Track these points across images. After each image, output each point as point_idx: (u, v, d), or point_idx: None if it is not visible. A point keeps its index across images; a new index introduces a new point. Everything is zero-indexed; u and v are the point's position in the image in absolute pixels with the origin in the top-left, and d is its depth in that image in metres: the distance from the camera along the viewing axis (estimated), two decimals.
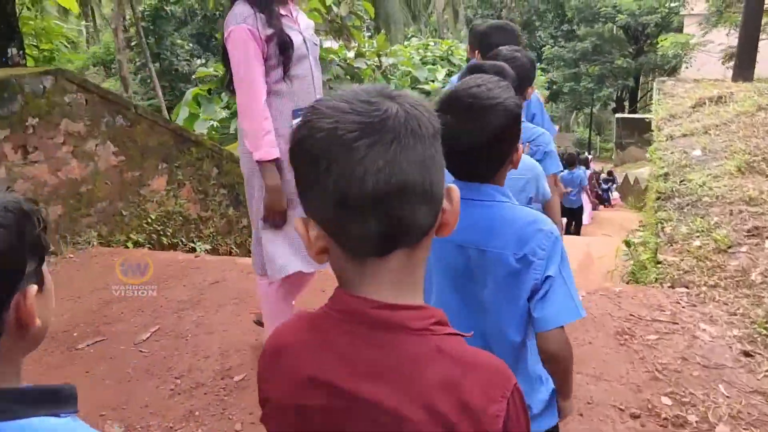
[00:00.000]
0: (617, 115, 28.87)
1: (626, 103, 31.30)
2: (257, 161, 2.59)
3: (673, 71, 23.88)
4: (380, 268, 0.81)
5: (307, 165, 0.77)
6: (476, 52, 3.49)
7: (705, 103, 7.36)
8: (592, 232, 11.78)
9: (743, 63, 9.20)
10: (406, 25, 29.54)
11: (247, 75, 2.56)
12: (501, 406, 0.80)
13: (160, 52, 23.10)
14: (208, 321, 3.51)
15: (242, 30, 2.51)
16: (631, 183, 19.49)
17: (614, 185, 19.22)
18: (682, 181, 5.14)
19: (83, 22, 25.57)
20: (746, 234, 4.08)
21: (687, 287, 3.73)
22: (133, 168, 5.07)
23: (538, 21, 31.43)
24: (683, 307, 3.49)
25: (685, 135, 6.42)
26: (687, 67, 13.69)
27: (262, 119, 2.55)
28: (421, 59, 12.54)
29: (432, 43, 13.02)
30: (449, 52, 12.75)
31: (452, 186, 0.86)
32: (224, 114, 9.72)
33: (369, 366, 0.80)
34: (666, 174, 5.43)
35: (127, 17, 22.85)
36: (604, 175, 20.08)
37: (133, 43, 22.94)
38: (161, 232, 5.25)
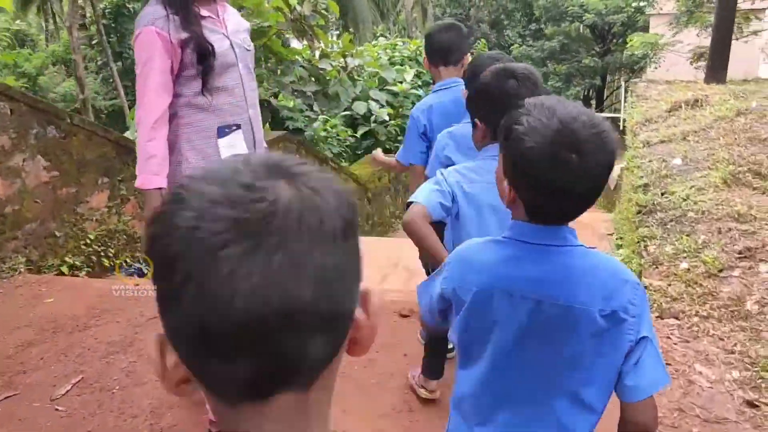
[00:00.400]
0: None
1: (593, 102, 31.26)
2: (137, 187, 2.20)
3: (640, 71, 23.81)
4: (261, 415, 0.58)
5: (162, 272, 0.54)
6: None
7: (681, 107, 7.05)
8: None
9: (716, 65, 8.96)
10: (374, 24, 29.03)
11: (144, 86, 2.14)
12: None
13: (123, 50, 22.31)
14: (141, 368, 3.02)
15: (150, 33, 2.09)
16: None
17: None
18: (663, 194, 4.79)
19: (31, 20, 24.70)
20: (738, 256, 3.72)
21: (677, 318, 3.36)
22: (69, 184, 4.54)
23: (506, 20, 31.17)
24: (675, 344, 3.11)
25: (662, 141, 6.09)
26: (656, 68, 13.47)
27: (148, 139, 2.15)
28: (388, 59, 12.13)
29: (400, 43, 12.60)
30: (418, 52, 12.34)
31: (369, 290, 0.62)
32: None
33: None
34: (645, 185, 5.08)
35: (88, 15, 22.02)
36: None
37: (94, 42, 22.12)
38: (102, 253, 4.74)
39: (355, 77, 10.10)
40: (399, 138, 11.47)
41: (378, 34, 27.69)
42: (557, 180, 1.16)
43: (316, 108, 9.46)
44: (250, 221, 0.51)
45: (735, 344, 3.06)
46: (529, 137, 1.17)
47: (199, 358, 0.55)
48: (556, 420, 1.30)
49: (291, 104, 8.72)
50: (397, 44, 12.52)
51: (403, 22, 29.84)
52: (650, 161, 5.59)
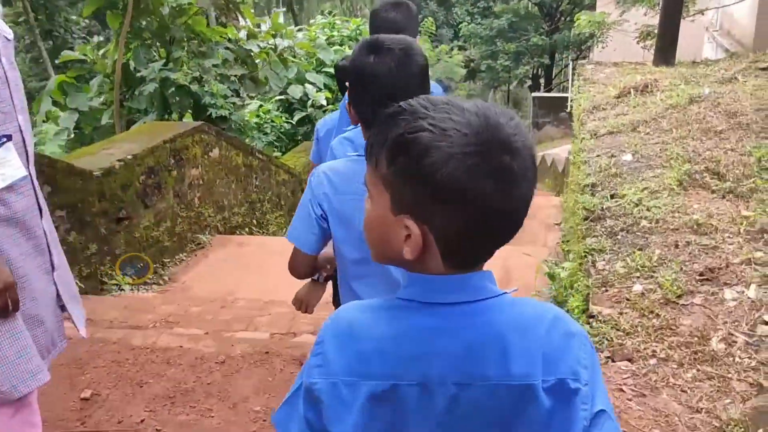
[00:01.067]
0: (533, 95, 28.43)
1: (542, 81, 30.96)
2: None
3: (588, 50, 23.45)
4: None
5: None
6: None
7: (630, 93, 6.50)
8: None
9: (664, 46, 8.46)
10: (320, 1, 27.97)
11: None
12: None
13: (53, 28, 20.86)
14: None
15: None
16: (548, 164, 18.96)
17: None
18: (613, 196, 4.20)
19: None
20: (699, 278, 3.15)
21: (630, 360, 2.77)
22: None
23: None
24: (629, 399, 2.52)
25: (611, 132, 5.51)
26: (603, 47, 13.00)
27: None
28: (327, 39, 11.32)
29: (339, 22, 11.78)
30: (358, 31, 11.55)
31: None
32: (96, 103, 8.26)
33: None
34: (593, 185, 4.49)
35: None
36: None
37: (21, 19, 20.58)
38: None
39: (289, 59, 9.30)
40: None
41: (326, 11, 26.72)
42: (495, 193, 0.84)
43: (243, 93, 8.67)
44: None
45: (701, 398, 2.48)
46: (447, 144, 0.83)
47: None
48: None
49: (214, 90, 7.89)
50: (335, 23, 11.70)
51: None
52: (598, 156, 5.01)
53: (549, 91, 29.11)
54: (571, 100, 13.52)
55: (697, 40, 14.85)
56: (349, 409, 0.90)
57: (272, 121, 9.93)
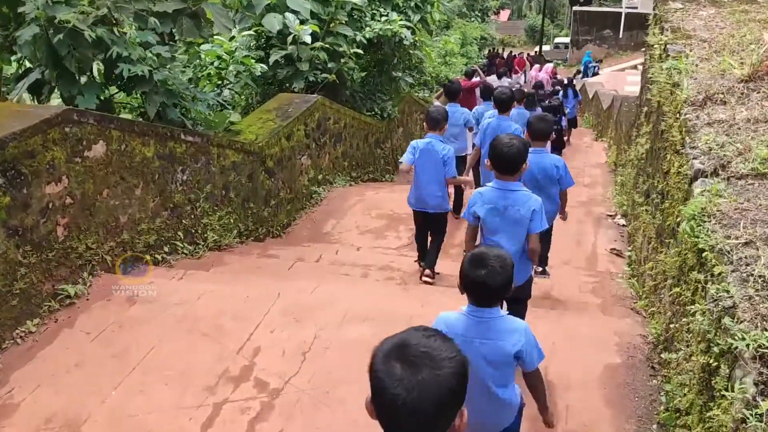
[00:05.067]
0: (574, 8, 24.33)
1: None
2: None
3: None
4: None
5: None
6: None
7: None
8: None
9: None
10: None
11: None
12: None
13: None
14: None
15: None
16: (590, 96, 15.74)
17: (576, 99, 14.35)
18: None
19: None
20: None
21: None
22: None
23: None
24: None
25: (759, 174, 2.77)
26: None
27: None
28: None
29: None
30: None
31: None
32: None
33: None
34: (763, 356, 1.85)
35: None
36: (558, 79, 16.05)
37: None
38: None
39: None
40: (329, 66, 7.88)
41: None
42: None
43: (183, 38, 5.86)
44: None
45: None
46: None
47: None
48: None
49: (129, 36, 5.13)
50: None
51: None
52: (748, 244, 2.33)
53: (591, 3, 25.00)
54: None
55: None
56: None
57: (241, 63, 7.14)
